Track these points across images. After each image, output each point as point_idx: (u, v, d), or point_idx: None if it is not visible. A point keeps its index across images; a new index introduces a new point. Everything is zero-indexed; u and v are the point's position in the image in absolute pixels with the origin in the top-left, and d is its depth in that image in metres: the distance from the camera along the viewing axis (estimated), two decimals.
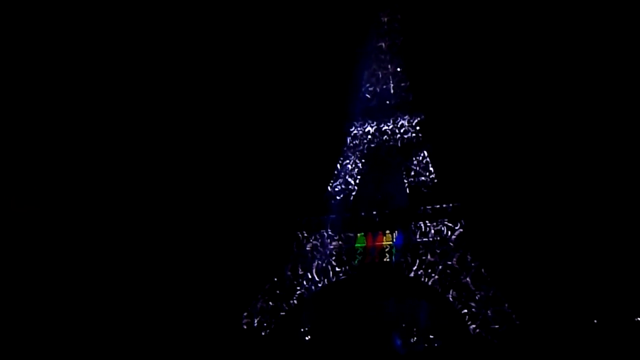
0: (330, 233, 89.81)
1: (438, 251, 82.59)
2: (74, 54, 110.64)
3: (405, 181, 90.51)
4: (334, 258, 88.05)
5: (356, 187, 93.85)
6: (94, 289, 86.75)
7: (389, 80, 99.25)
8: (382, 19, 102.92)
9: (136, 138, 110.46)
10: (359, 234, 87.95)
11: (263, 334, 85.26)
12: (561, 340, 65.93)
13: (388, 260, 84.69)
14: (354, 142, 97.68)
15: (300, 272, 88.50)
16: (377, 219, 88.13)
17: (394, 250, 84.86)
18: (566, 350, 60.99)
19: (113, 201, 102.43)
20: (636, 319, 70.94)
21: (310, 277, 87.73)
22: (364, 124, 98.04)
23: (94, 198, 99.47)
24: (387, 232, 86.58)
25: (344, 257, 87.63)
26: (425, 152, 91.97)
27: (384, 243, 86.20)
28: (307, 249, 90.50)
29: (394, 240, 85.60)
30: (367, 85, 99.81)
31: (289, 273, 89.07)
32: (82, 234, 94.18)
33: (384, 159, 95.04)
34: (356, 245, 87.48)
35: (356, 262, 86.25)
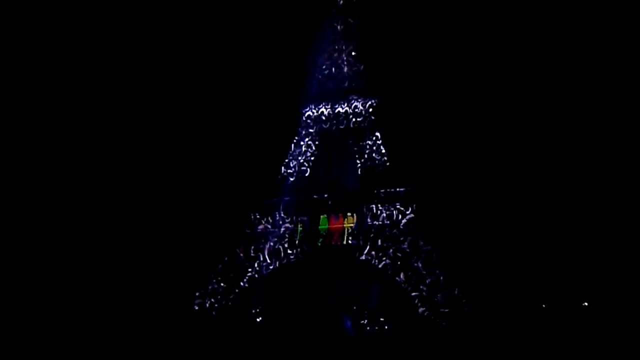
0: (282, 215, 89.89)
1: (389, 235, 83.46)
2: (66, 52, 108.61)
3: (358, 164, 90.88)
4: (285, 240, 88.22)
5: (309, 170, 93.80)
6: (42, 269, 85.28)
7: (344, 63, 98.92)
8: (338, 1, 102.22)
9: (86, 116, 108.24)
10: (322, 216, 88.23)
11: (214, 314, 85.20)
12: (510, 324, 67.47)
13: (349, 242, 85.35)
14: (307, 124, 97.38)
15: (252, 254, 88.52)
16: (330, 202, 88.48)
17: (354, 232, 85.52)
18: (515, 334, 62.39)
19: (62, 178, 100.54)
20: (583, 304, 73.05)
21: (262, 258, 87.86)
22: (318, 106, 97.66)
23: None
24: (349, 214, 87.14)
25: (295, 239, 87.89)
26: (379, 135, 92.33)
27: (345, 225, 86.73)
28: (259, 230, 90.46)
29: (355, 222, 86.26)
30: (322, 67, 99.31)
31: (241, 255, 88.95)
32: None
33: (338, 141, 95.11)
34: (319, 227, 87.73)
35: (319, 243, 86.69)
